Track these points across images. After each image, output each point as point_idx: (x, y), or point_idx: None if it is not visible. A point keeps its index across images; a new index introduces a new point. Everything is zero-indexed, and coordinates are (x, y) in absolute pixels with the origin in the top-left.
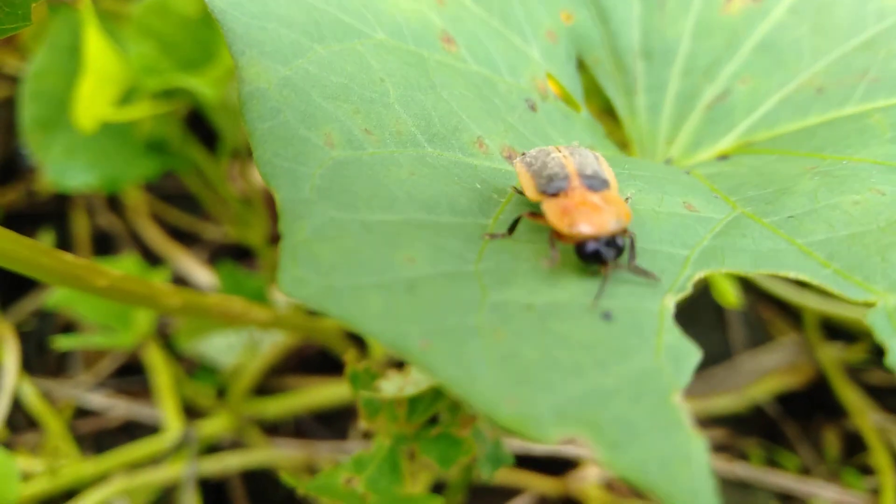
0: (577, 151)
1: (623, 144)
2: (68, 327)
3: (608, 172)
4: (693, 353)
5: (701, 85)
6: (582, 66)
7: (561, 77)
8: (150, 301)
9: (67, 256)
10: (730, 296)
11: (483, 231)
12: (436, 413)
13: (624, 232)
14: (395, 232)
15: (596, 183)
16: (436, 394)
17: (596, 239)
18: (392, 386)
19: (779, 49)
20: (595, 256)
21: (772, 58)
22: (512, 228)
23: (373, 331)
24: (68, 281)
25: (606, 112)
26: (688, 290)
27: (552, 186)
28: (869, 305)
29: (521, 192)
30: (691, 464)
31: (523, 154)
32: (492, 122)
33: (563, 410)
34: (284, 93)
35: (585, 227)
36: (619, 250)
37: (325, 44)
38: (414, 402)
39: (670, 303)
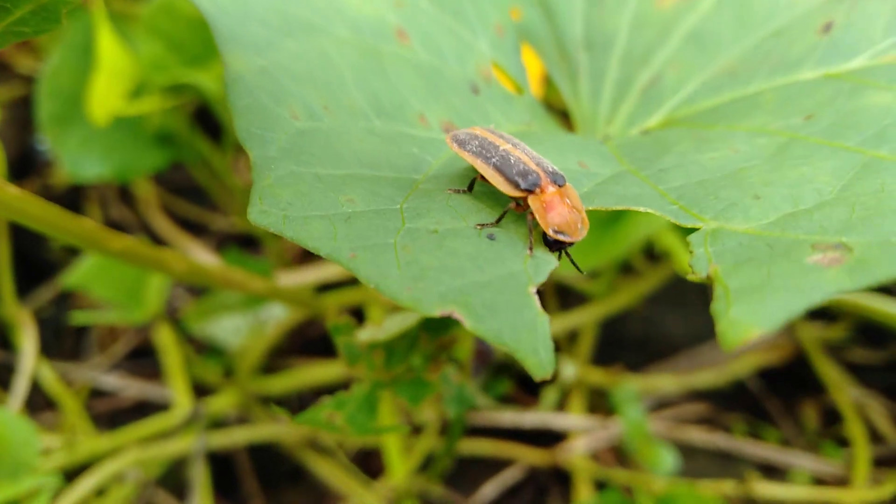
0: (507, 138)
1: (570, 129)
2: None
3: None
4: (551, 262)
5: (636, 71)
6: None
7: (507, 66)
8: (159, 265)
9: (87, 221)
10: (687, 268)
11: (412, 185)
12: (409, 362)
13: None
14: (341, 182)
15: (558, 178)
16: (409, 346)
17: (567, 242)
18: (367, 334)
19: (703, 38)
20: (555, 247)
21: (697, 46)
22: (471, 187)
23: (315, 247)
24: (87, 242)
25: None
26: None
27: (528, 182)
28: (695, 229)
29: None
30: (536, 331)
31: (457, 138)
32: (435, 102)
33: (445, 296)
34: (259, 78)
35: (564, 237)
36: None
37: (295, 39)
38: (390, 353)
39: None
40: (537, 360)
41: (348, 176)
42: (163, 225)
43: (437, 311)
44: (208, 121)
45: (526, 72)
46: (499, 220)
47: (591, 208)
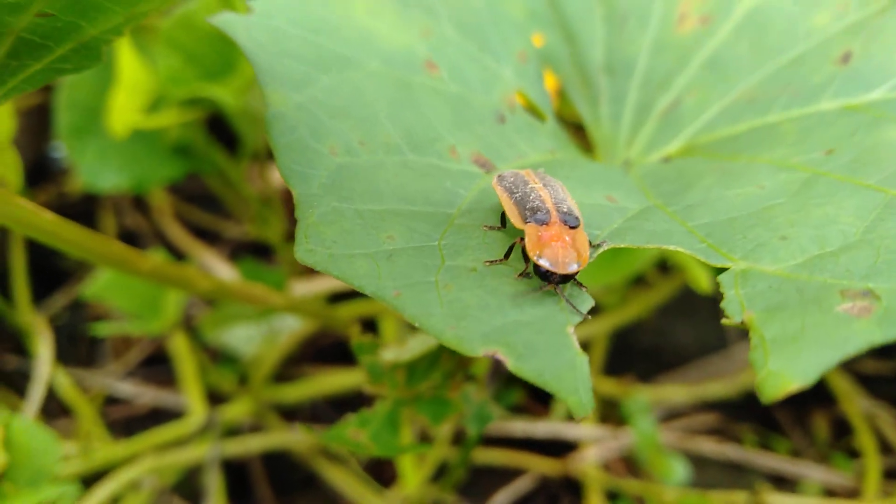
0: (546, 181)
1: (588, 148)
2: (98, 320)
3: (575, 205)
4: (587, 300)
5: (656, 96)
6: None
7: (530, 92)
8: (185, 284)
9: (116, 244)
10: (702, 281)
11: (447, 221)
12: (430, 380)
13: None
14: (380, 217)
15: (570, 220)
16: (430, 364)
17: (551, 272)
18: (391, 354)
19: (722, 64)
20: (544, 277)
21: (716, 72)
22: (503, 222)
23: (360, 286)
24: (117, 264)
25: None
26: (593, 258)
27: (535, 218)
28: (724, 269)
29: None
30: (575, 371)
31: (500, 175)
32: (464, 133)
33: (488, 336)
34: (298, 114)
35: (545, 262)
36: (566, 280)
37: (329, 73)
38: (412, 371)
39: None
40: (577, 399)
41: (386, 211)
42: (177, 233)
43: (480, 352)
44: (222, 129)
45: (549, 98)
46: (507, 256)
47: (623, 245)
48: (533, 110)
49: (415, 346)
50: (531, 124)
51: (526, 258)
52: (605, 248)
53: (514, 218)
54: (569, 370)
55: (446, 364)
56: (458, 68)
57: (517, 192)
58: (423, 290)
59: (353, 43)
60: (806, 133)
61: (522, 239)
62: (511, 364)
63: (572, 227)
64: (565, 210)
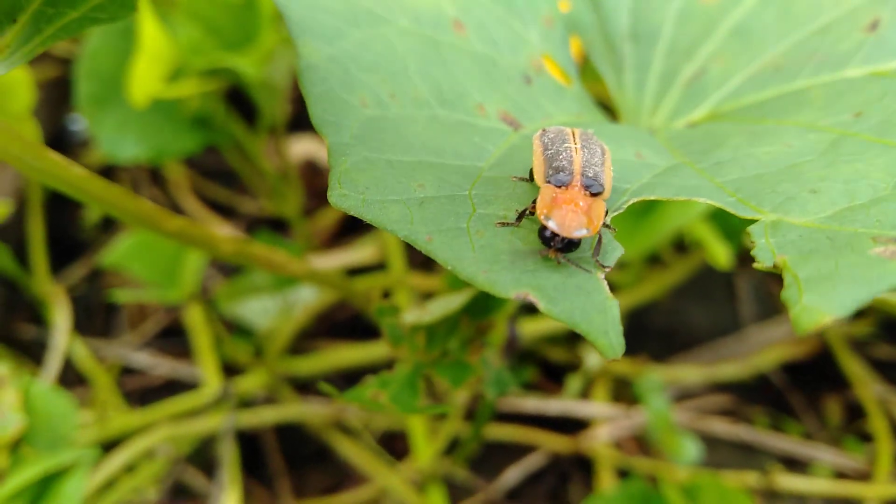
0: (588, 143)
1: (612, 114)
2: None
3: (608, 173)
4: (618, 248)
5: (681, 64)
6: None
7: (556, 56)
8: (209, 245)
9: (144, 202)
10: (721, 257)
11: (477, 173)
12: (450, 345)
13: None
14: (412, 168)
15: (594, 186)
16: (449, 329)
17: (556, 234)
18: (412, 316)
19: (748, 33)
20: (546, 241)
21: (742, 41)
22: (531, 176)
23: (393, 230)
24: (145, 222)
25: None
26: (622, 209)
27: (556, 179)
28: (754, 221)
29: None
30: (606, 313)
31: (544, 130)
32: (491, 92)
33: (519, 279)
34: (330, 66)
35: (552, 224)
36: (570, 247)
37: (360, 28)
38: (431, 335)
39: (608, 217)
40: (608, 341)
41: (417, 163)
42: (193, 207)
43: (512, 294)
44: (241, 103)
45: (575, 63)
46: (520, 218)
47: (651, 198)
48: (560, 74)
49: (436, 310)
50: (557, 87)
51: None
52: (632, 201)
53: (537, 174)
54: (599, 312)
55: (465, 329)
56: (486, 29)
57: (550, 149)
58: (455, 236)
59: (384, 0)
60: (833, 98)
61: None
62: (542, 306)
63: (594, 194)
64: (591, 175)
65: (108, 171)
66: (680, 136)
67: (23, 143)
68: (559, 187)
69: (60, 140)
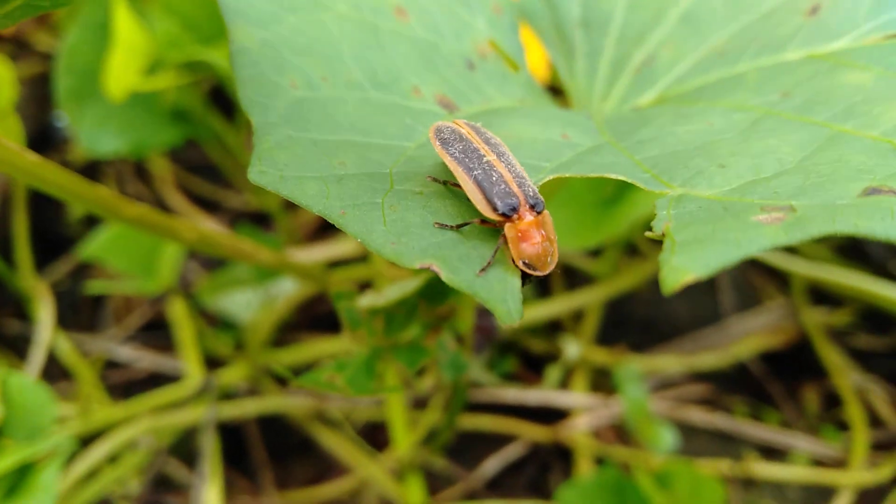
0: (488, 140)
1: (563, 101)
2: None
3: (519, 165)
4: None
5: (631, 51)
6: None
7: (503, 43)
8: (171, 233)
9: (102, 188)
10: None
11: (402, 152)
12: (408, 331)
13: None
14: (335, 147)
15: (538, 204)
16: (408, 315)
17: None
18: (367, 300)
19: (696, 19)
20: (522, 278)
21: (690, 27)
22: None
23: (307, 204)
24: (102, 209)
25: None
26: (538, 185)
27: (506, 206)
28: (662, 195)
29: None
30: (505, 282)
31: (438, 129)
32: (430, 76)
33: (425, 250)
34: (263, 50)
35: (532, 270)
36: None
37: (297, 14)
38: (390, 321)
39: None
40: (506, 308)
41: (342, 142)
42: (177, 201)
43: (416, 264)
44: (222, 99)
45: (523, 51)
46: (459, 227)
47: (568, 175)
48: (507, 61)
49: (390, 294)
50: (503, 73)
51: (498, 248)
52: (548, 178)
53: (478, 203)
54: (499, 282)
55: (424, 315)
56: (429, 16)
57: (475, 169)
58: (369, 210)
59: None
60: (766, 80)
61: (485, 221)
62: (444, 275)
63: (539, 213)
64: (531, 194)
65: (93, 167)
66: (615, 118)
67: None
68: (511, 217)
69: (46, 137)
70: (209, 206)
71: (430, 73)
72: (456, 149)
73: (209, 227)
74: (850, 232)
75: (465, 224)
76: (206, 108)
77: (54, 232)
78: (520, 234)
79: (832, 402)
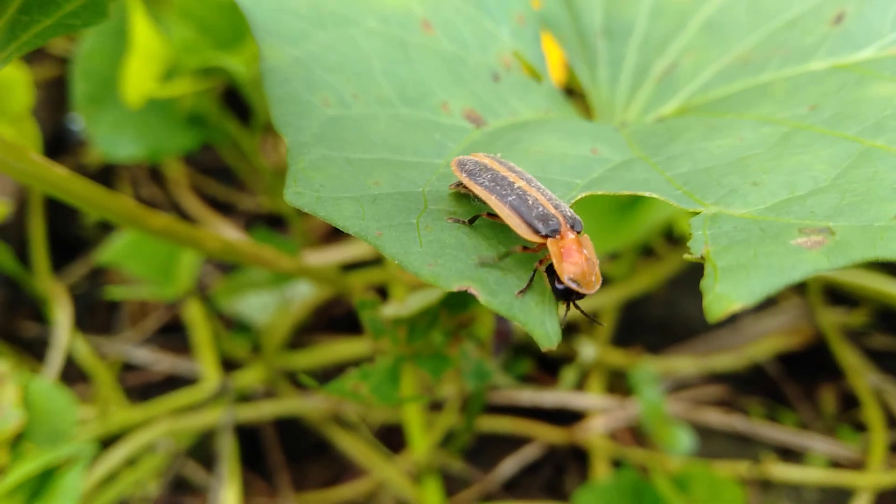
0: (513, 169)
1: (586, 112)
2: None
3: (546, 191)
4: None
5: (653, 59)
6: None
7: (527, 54)
8: (195, 243)
9: (128, 200)
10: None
11: (434, 170)
12: (431, 338)
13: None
14: (370, 165)
15: (577, 224)
16: (430, 322)
17: (577, 292)
18: (391, 310)
19: (719, 27)
20: (563, 296)
21: (713, 35)
22: (472, 221)
23: (345, 226)
24: (128, 220)
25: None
26: (570, 203)
27: (549, 229)
28: (696, 213)
29: (462, 193)
30: (543, 305)
31: (461, 161)
32: (457, 89)
33: (462, 273)
34: (293, 68)
35: (578, 287)
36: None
37: (326, 30)
38: (413, 328)
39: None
40: (544, 331)
41: (376, 160)
42: (192, 204)
43: (454, 286)
44: (237, 102)
45: (546, 60)
46: (502, 258)
47: (600, 192)
48: (530, 71)
49: (413, 303)
50: (527, 84)
51: (549, 272)
52: (581, 196)
53: (518, 228)
54: (537, 304)
55: (446, 323)
56: (455, 28)
57: (509, 195)
58: (404, 231)
59: (351, 1)
60: (794, 91)
61: (526, 248)
62: (482, 298)
63: (578, 232)
64: (569, 215)
65: (108, 170)
66: (643, 131)
67: (3, 144)
68: (554, 237)
69: (61, 140)
70: (223, 208)
71: (457, 86)
72: (485, 178)
73: (231, 236)
74: (891, 258)
75: (507, 254)
76: (221, 113)
77: (70, 235)
78: (563, 252)
79: (849, 402)
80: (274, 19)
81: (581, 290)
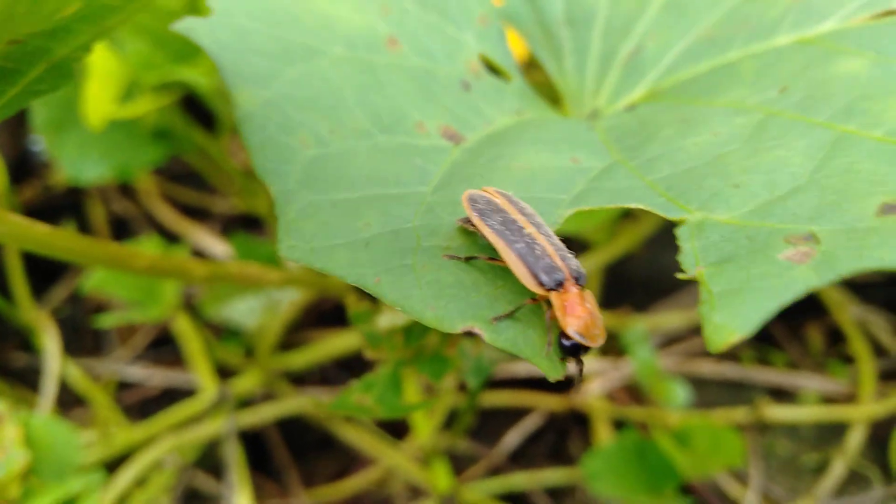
0: (524, 211)
1: (555, 100)
2: (99, 309)
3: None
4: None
5: (618, 44)
6: None
7: (493, 54)
8: (182, 274)
9: (111, 245)
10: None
11: (420, 200)
12: (427, 340)
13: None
14: (356, 205)
15: (581, 277)
16: (424, 326)
17: (583, 346)
18: (386, 319)
19: (681, 4)
20: (568, 351)
21: (675, 13)
22: (468, 260)
23: (342, 275)
24: (114, 264)
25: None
26: (559, 224)
27: (553, 281)
28: (681, 222)
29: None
30: (545, 340)
31: (472, 199)
32: (430, 107)
33: (464, 312)
34: (266, 111)
35: (584, 340)
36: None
37: (294, 65)
38: (408, 333)
39: None
40: (551, 363)
41: (361, 198)
42: (166, 214)
43: (458, 328)
44: (196, 107)
45: (513, 58)
46: (513, 313)
47: (586, 208)
48: (498, 72)
49: None
50: (497, 87)
51: (549, 328)
52: (568, 213)
53: (522, 277)
54: (540, 338)
55: None
56: (420, 41)
57: (517, 242)
58: (401, 274)
59: (315, 31)
60: (762, 71)
61: (534, 299)
62: (487, 337)
63: (582, 286)
64: (574, 267)
65: (77, 190)
66: (618, 128)
67: None
68: (557, 290)
69: (24, 162)
70: (198, 214)
71: (430, 104)
72: (495, 220)
73: (210, 245)
74: (878, 267)
75: (519, 308)
76: (186, 124)
77: (45, 260)
78: (567, 306)
79: (835, 337)
80: (242, 61)
81: (587, 344)
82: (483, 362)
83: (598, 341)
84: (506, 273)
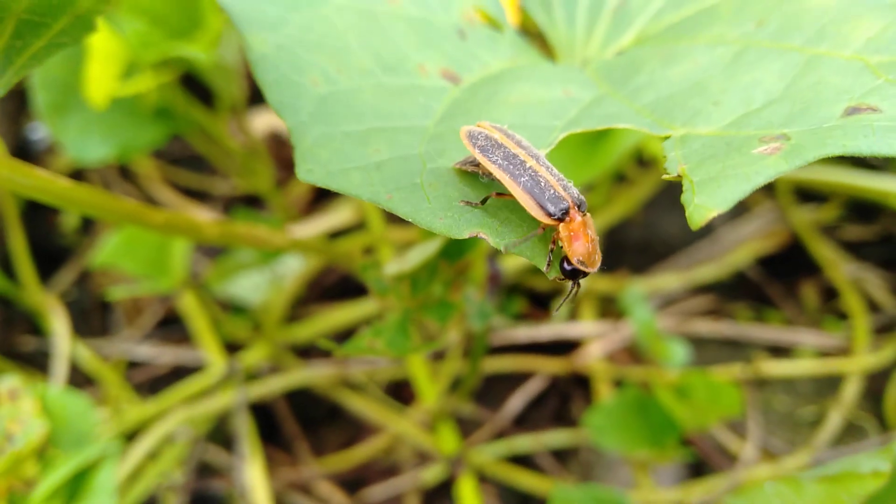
0: (521, 143)
1: (546, 50)
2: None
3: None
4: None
5: None
6: None
7: (486, 6)
8: (195, 233)
9: (130, 201)
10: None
11: (425, 131)
12: (433, 288)
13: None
14: (365, 135)
15: (583, 204)
16: (430, 274)
17: (583, 271)
18: (393, 267)
19: None
20: (570, 276)
21: None
22: (484, 202)
23: (357, 193)
24: (132, 219)
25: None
26: (553, 145)
27: (559, 210)
28: (667, 137)
29: (470, 169)
30: (544, 245)
31: (471, 134)
32: (430, 51)
33: (470, 221)
34: (279, 53)
35: (584, 267)
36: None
37: (300, 12)
38: (415, 282)
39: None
40: (551, 269)
41: (370, 130)
42: (168, 196)
43: (465, 234)
44: (197, 87)
45: (504, 9)
46: (525, 240)
47: (579, 131)
48: (492, 23)
49: (413, 258)
50: (491, 36)
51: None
52: (562, 136)
53: (530, 208)
54: (541, 241)
55: (445, 272)
56: None
57: (522, 175)
58: (412, 191)
59: None
60: (740, 9)
61: (544, 228)
62: (492, 241)
63: (584, 215)
64: (576, 196)
65: (78, 176)
66: (606, 67)
67: (10, 164)
68: (563, 220)
69: (23, 151)
70: (199, 196)
71: (429, 48)
72: (497, 156)
73: (227, 222)
74: (840, 153)
75: (532, 235)
76: (186, 102)
77: (51, 244)
78: (572, 234)
79: (830, 295)
80: (252, 9)
81: (586, 270)
82: (486, 306)
83: (596, 266)
84: (511, 204)
